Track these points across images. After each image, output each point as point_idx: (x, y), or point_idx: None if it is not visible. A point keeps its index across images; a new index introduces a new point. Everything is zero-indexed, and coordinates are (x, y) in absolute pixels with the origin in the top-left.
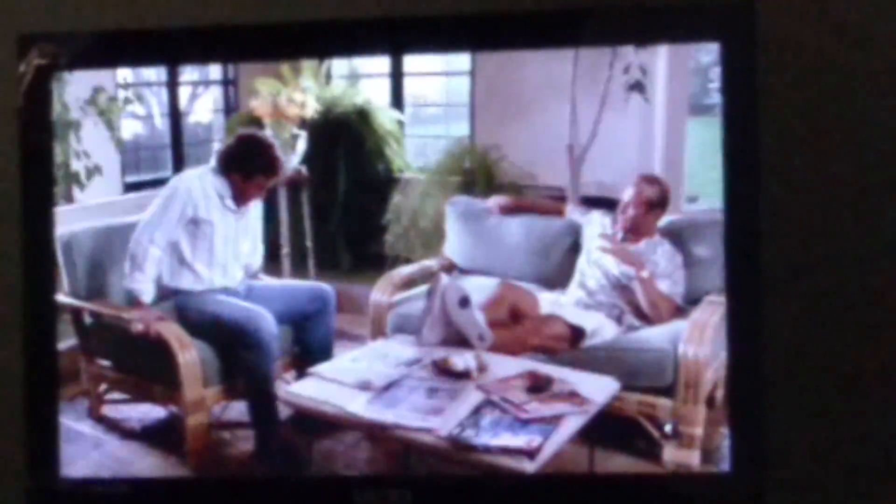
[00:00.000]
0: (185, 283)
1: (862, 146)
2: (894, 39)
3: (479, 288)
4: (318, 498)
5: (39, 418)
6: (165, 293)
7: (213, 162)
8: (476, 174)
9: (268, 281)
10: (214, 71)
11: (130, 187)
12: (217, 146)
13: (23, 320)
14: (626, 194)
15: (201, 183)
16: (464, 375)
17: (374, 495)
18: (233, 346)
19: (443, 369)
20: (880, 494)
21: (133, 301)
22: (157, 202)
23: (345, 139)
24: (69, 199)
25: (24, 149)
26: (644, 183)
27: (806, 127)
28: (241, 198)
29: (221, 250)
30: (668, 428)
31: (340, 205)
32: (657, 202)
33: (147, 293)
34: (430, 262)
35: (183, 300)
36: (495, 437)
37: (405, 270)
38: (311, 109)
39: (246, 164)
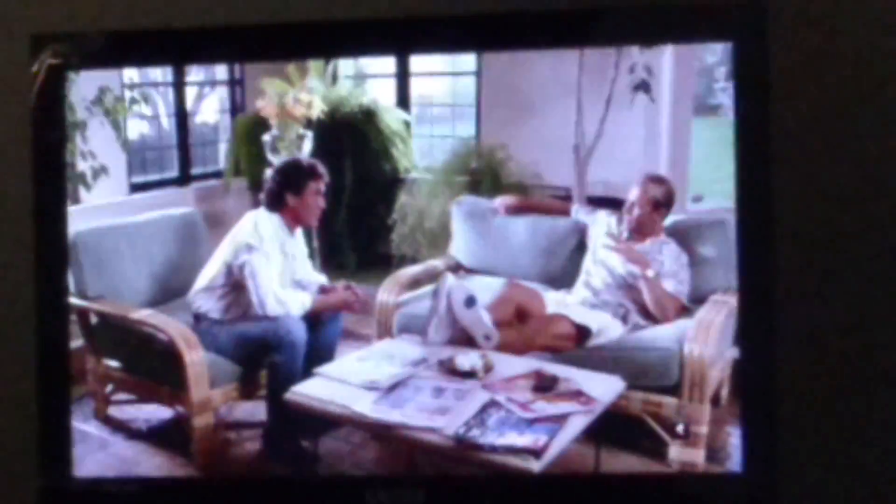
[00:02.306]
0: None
1: (873, 144)
2: None
3: (485, 287)
4: (330, 498)
5: (52, 418)
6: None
7: (262, 206)
8: (482, 174)
9: None
10: (221, 71)
11: (137, 188)
12: (261, 195)
13: (35, 320)
14: (632, 194)
15: (260, 235)
16: (470, 375)
17: (386, 495)
18: (264, 350)
19: (449, 369)
20: (894, 498)
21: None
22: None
23: (351, 139)
24: (75, 199)
25: (36, 148)
26: (649, 182)
27: (817, 125)
28: (296, 220)
29: (279, 288)
30: (679, 428)
31: (347, 205)
32: (663, 202)
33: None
34: (437, 262)
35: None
36: (501, 436)
37: (411, 270)
38: (318, 110)
39: (293, 181)
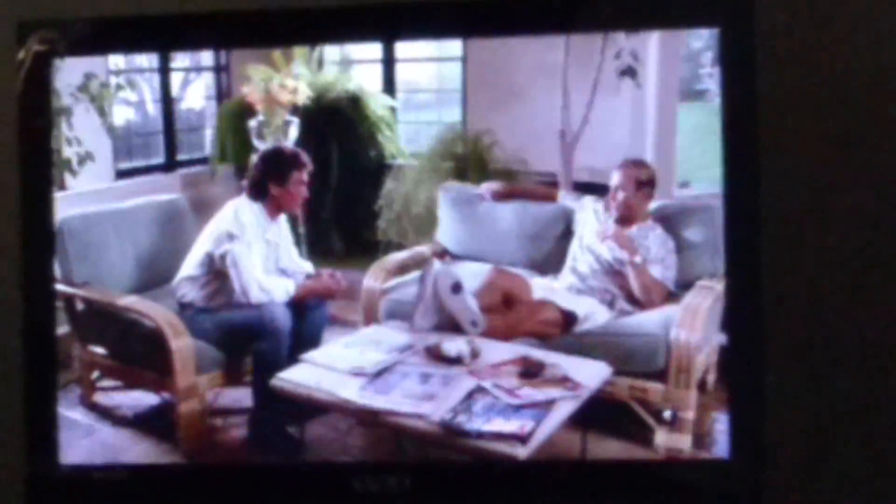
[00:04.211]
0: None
1: (861, 129)
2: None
3: (472, 274)
4: (316, 484)
5: (38, 405)
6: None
7: (244, 193)
8: (468, 160)
9: None
10: (206, 57)
11: (122, 174)
12: (244, 182)
13: (22, 307)
14: (614, 179)
15: (241, 224)
16: (456, 361)
17: (372, 481)
18: (249, 338)
19: (435, 355)
20: (881, 484)
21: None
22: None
23: (337, 125)
24: (61, 185)
25: (22, 135)
26: (630, 165)
27: (804, 110)
28: (278, 208)
29: (263, 276)
30: (666, 414)
31: (333, 191)
32: (646, 181)
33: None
34: (423, 248)
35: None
36: (488, 422)
37: (398, 256)
38: (304, 96)
39: (276, 170)
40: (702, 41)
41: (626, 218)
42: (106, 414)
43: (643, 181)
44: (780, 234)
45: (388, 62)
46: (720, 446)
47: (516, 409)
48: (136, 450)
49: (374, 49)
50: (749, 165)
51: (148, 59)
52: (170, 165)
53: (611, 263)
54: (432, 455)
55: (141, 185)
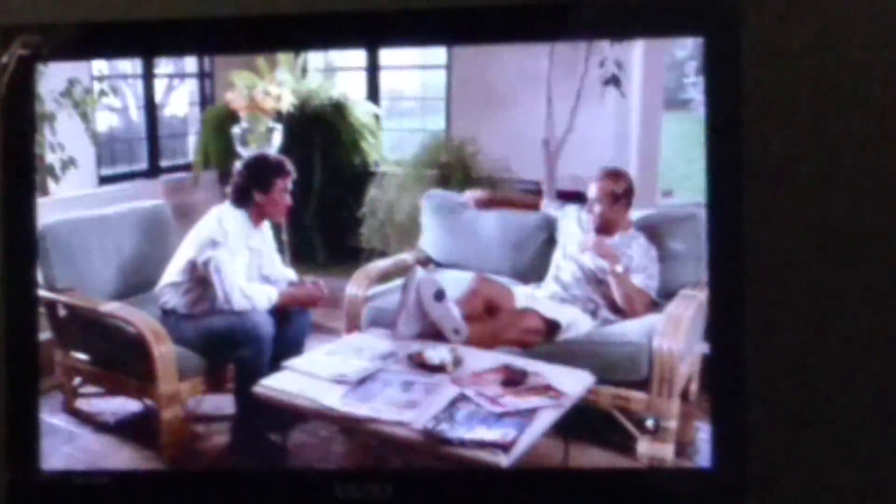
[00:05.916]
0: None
1: (845, 139)
2: (880, 32)
3: (455, 282)
4: (299, 491)
5: (20, 411)
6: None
7: (227, 200)
8: (452, 168)
9: None
10: (190, 63)
11: (105, 180)
12: (227, 189)
13: (4, 312)
14: (591, 190)
15: (225, 230)
16: (439, 369)
17: (354, 489)
18: (231, 345)
19: (418, 363)
20: (865, 492)
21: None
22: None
23: (321, 132)
24: (44, 191)
25: (5, 140)
26: (605, 177)
27: (788, 120)
28: (262, 216)
29: (245, 283)
30: (650, 423)
31: (316, 198)
32: (622, 194)
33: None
34: (406, 256)
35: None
36: (470, 430)
37: (381, 264)
38: (287, 102)
39: (260, 177)
40: (686, 50)
41: (606, 228)
42: (88, 420)
43: (619, 194)
44: (764, 243)
45: (373, 69)
46: (703, 456)
47: (499, 417)
48: (118, 456)
49: (358, 56)
50: (733, 175)
51: (131, 65)
52: (153, 171)
53: (594, 272)
54: (414, 463)
55: (124, 192)
